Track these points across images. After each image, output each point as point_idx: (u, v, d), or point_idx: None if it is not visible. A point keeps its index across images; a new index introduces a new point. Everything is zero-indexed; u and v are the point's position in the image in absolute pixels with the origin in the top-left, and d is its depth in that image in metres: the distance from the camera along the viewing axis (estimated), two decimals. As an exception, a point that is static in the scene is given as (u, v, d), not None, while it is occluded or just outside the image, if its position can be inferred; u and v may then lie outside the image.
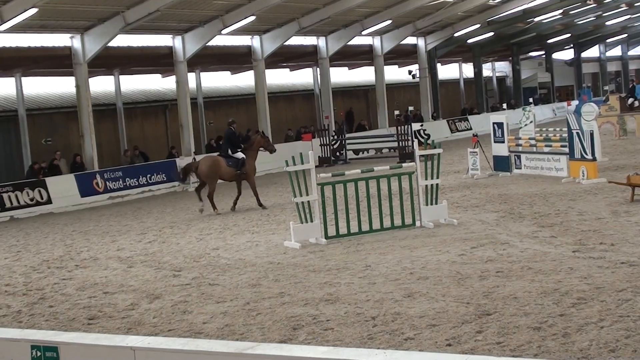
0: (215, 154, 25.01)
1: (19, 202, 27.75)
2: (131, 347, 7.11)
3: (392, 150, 37.13)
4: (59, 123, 35.38)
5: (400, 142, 35.51)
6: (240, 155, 22.83)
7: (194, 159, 24.03)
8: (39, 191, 28.34)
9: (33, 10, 26.66)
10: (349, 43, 43.24)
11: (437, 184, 16.93)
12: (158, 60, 36.88)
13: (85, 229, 22.04)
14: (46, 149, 33.85)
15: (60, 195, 28.86)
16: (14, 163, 33.20)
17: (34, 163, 30.85)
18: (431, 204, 16.86)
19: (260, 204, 22.65)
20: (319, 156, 35.52)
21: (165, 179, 32.67)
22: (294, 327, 9.83)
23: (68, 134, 35.01)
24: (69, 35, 31.20)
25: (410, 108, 42.16)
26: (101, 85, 37.73)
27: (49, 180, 29.08)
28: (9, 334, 8.33)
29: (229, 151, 22.89)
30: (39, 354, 7.47)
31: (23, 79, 32.78)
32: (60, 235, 21.29)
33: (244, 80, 44.44)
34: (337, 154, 37.78)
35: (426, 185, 16.88)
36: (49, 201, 28.45)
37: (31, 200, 28.11)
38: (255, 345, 6.96)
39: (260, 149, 23.34)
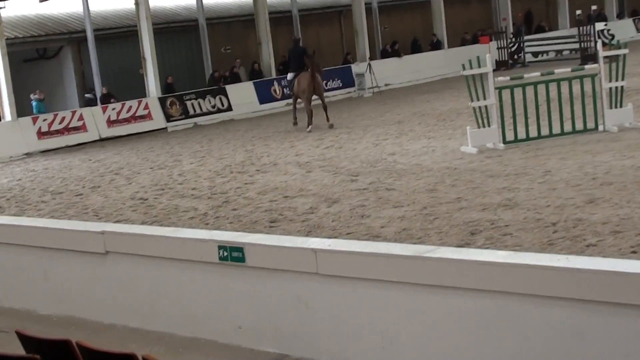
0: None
1: (201, 109, 28.70)
2: (313, 249, 7.33)
3: (573, 52, 35.90)
4: (237, 32, 36.03)
5: (582, 44, 34.22)
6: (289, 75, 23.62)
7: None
8: (220, 99, 29.18)
9: None
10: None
11: (622, 87, 16.28)
12: (333, -34, 36.79)
13: (264, 135, 22.60)
14: (225, 57, 34.63)
15: (240, 102, 29.63)
16: (196, 71, 34.19)
17: (215, 71, 31.67)
18: (615, 107, 16.27)
19: (310, 122, 22.66)
20: (496, 59, 34.73)
21: (341, 85, 32.90)
22: (471, 232, 9.82)
23: (246, 42, 35.64)
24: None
25: (593, 7, 40.45)
26: (278, -8, 38.06)
27: (229, 88, 29.87)
28: (198, 235, 8.76)
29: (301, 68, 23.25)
30: (225, 253, 7.81)
31: (202, -12, 33.46)
32: (241, 141, 21.91)
33: (419, -17, 43.73)
34: (515, 56, 36.88)
35: (610, 88, 16.28)
36: (229, 108, 29.28)
37: (213, 107, 29.01)
38: (434, 248, 7.04)
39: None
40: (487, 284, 6.34)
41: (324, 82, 26.25)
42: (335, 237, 10.03)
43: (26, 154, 24.21)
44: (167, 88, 29.02)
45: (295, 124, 23.56)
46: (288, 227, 11.13)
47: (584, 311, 5.94)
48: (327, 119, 22.52)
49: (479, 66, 15.85)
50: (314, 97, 23.02)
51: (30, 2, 30.95)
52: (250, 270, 7.66)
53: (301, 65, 23.38)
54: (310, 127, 22.30)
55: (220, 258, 7.81)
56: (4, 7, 24.80)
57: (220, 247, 7.81)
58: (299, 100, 23.75)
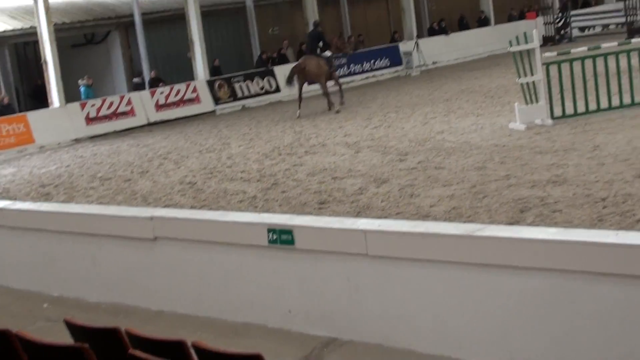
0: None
1: (249, 92, 28.76)
2: (362, 230, 7.32)
3: (619, 26, 35.36)
4: (284, 13, 36.00)
5: (629, 17, 33.69)
6: (327, 53, 23.09)
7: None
8: (268, 80, 29.21)
9: None
10: None
11: (670, 59, 16.04)
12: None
13: (312, 116, 22.59)
14: (273, 39, 34.63)
15: (287, 83, 29.59)
16: (243, 53, 34.23)
17: (262, 52, 31.70)
18: (664, 80, 16.03)
19: (331, 104, 22.85)
20: (543, 35, 34.31)
21: (389, 64, 32.77)
22: (521, 209, 9.76)
23: (293, 23, 35.60)
24: None
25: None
26: (323, -28, 37.94)
27: (277, 69, 29.86)
28: (247, 218, 8.78)
29: (318, 51, 23.05)
30: (275, 236, 7.82)
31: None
32: (289, 122, 21.94)
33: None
34: (562, 32, 36.42)
35: (659, 61, 16.04)
36: (277, 89, 29.28)
37: (261, 89, 29.05)
38: (484, 227, 6.99)
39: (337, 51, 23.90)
40: (537, 261, 6.29)
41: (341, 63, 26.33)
42: (384, 218, 10.04)
43: (74, 139, 24.44)
44: (214, 71, 29.11)
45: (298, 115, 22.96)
46: (337, 209, 11.15)
47: (636, 287, 5.88)
48: (328, 106, 22.82)
49: (526, 42, 15.71)
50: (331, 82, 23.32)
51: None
52: (300, 252, 7.67)
53: (314, 49, 23.37)
54: (298, 112, 22.55)
55: (270, 241, 7.82)
56: (52, -6, 25.04)
57: (269, 230, 7.82)
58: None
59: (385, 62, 32.79)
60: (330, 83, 23.31)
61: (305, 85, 23.38)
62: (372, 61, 32.47)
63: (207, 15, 30.78)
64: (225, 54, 32.58)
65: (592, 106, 15.84)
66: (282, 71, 29.61)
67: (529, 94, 15.71)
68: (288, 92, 28.98)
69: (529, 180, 11.11)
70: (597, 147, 12.72)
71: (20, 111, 25.89)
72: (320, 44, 23.45)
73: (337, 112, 22.48)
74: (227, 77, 28.77)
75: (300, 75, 22.91)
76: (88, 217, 9.78)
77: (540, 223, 9.01)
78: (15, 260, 10.46)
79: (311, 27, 25.68)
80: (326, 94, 22.90)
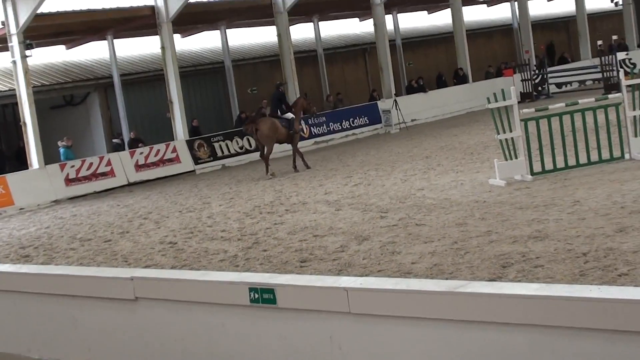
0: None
1: (229, 151, 28.85)
2: (344, 288, 7.28)
3: (596, 82, 35.86)
4: (263, 72, 36.31)
5: (605, 73, 34.16)
6: (289, 115, 23.07)
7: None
8: (248, 139, 29.30)
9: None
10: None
11: (646, 114, 16.22)
12: (355, 4, 37.06)
13: (293, 174, 22.63)
14: (252, 98, 34.87)
15: (267, 142, 29.70)
16: (223, 113, 34.43)
17: (242, 112, 31.86)
18: (641, 135, 16.19)
19: (305, 164, 23.03)
20: (520, 92, 34.73)
21: (367, 122, 32.98)
22: (503, 265, 9.76)
23: (272, 83, 35.82)
24: (265, -15, 31.86)
25: (614, 37, 40.43)
26: (301, 32, 38.33)
27: (256, 128, 29.96)
28: (228, 277, 8.72)
29: (279, 112, 23.12)
30: (256, 295, 7.77)
31: (227, 31, 33.77)
32: (269, 181, 21.96)
33: (442, 18, 43.94)
34: (539, 88, 36.87)
35: (634, 116, 16.20)
36: (257, 148, 29.32)
37: (241, 148, 29.15)
38: (467, 283, 6.97)
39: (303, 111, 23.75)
40: (520, 317, 6.28)
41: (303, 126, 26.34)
42: (366, 275, 10.00)
43: (54, 201, 24.38)
44: (193, 131, 29.20)
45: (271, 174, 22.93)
46: (319, 267, 11.11)
47: (619, 342, 5.87)
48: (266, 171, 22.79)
49: (504, 99, 15.86)
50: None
51: (56, 49, 31.38)
52: (282, 311, 7.61)
53: (275, 111, 23.45)
54: (268, 174, 22.58)
55: (251, 300, 7.76)
56: (31, 56, 25.11)
57: (251, 289, 7.77)
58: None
59: (364, 120, 33.01)
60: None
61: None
62: (351, 119, 32.68)
63: (186, 76, 31.02)
64: (204, 114, 32.79)
65: (571, 161, 15.97)
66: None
67: (508, 150, 15.81)
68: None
69: (510, 236, 11.13)
70: (578, 202, 12.78)
71: (0, 173, 25.83)
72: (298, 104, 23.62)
73: (272, 175, 22.40)
74: (207, 137, 28.87)
75: (255, 137, 22.97)
76: (68, 278, 9.69)
77: (523, 279, 9.01)
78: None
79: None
80: (266, 157, 22.76)
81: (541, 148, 15.87)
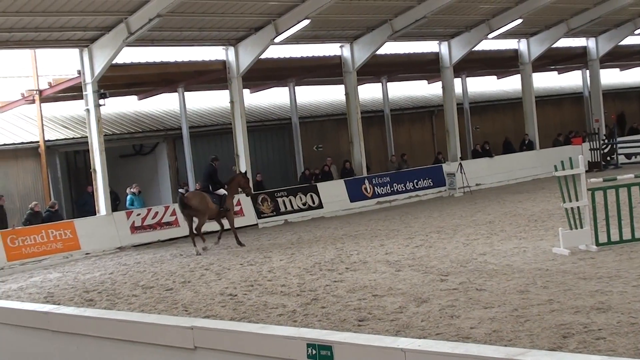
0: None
1: (292, 207, 28.98)
2: (402, 349, 7.25)
3: (667, 153, 35.44)
4: (329, 130, 36.55)
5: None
6: (221, 192, 22.49)
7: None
8: (311, 196, 29.45)
9: (306, 22, 27.78)
10: (620, 43, 41.63)
11: None
12: (424, 67, 37.24)
13: (354, 233, 22.65)
14: (317, 155, 35.09)
15: (330, 199, 29.86)
16: (287, 169, 34.67)
17: (306, 169, 32.07)
18: None
19: (239, 242, 22.33)
20: (588, 161, 34.42)
21: (432, 184, 32.93)
22: (563, 335, 9.63)
23: (338, 141, 36.09)
24: (339, 44, 32.23)
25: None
26: (369, 92, 38.58)
27: (321, 186, 30.16)
28: (286, 332, 8.75)
29: (210, 188, 22.53)
30: (314, 352, 7.77)
31: (296, 87, 34.16)
32: (331, 238, 22.00)
33: (510, 84, 43.89)
34: (608, 158, 36.49)
35: None
36: (320, 205, 29.50)
37: (304, 204, 29.27)
38: (526, 351, 6.89)
39: (240, 188, 23.17)
40: (580, 389, 6.18)
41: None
42: (424, 337, 9.94)
43: (119, 247, 24.71)
44: (256, 185, 29.44)
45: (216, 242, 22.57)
46: (376, 326, 11.08)
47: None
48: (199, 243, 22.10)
49: (572, 167, 15.74)
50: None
51: (128, 99, 32.02)
52: (338, 369, 7.60)
53: (206, 185, 22.78)
54: (194, 248, 21.79)
55: (309, 356, 7.76)
56: (104, 105, 25.68)
57: (308, 345, 7.77)
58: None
59: (428, 182, 32.98)
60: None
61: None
62: (415, 181, 32.68)
63: (253, 130, 31.37)
64: (269, 169, 33.05)
65: (638, 234, 15.74)
66: (325, 188, 29.95)
67: (574, 219, 15.65)
68: (330, 209, 29.27)
69: (573, 306, 10.99)
70: (642, 275, 12.59)
71: (68, 217, 26.33)
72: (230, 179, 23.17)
73: (205, 249, 21.74)
74: (271, 192, 29.08)
75: (185, 210, 22.18)
76: (129, 324, 9.81)
77: (583, 350, 8.89)
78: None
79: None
80: (198, 229, 22.06)
81: (607, 219, 15.69)
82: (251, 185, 25.40)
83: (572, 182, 15.69)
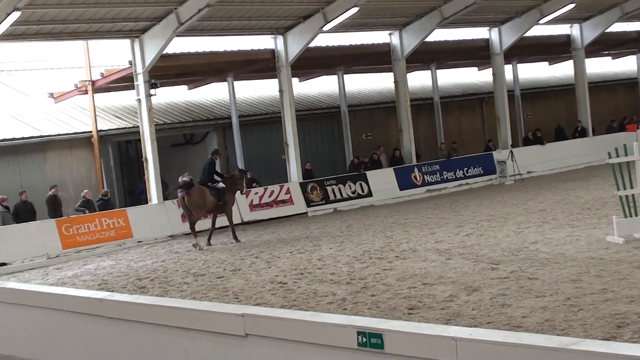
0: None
1: (341, 195, 28.99)
2: (453, 337, 7.23)
3: None
4: (378, 118, 36.44)
5: None
6: (220, 185, 22.31)
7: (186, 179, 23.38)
8: (360, 184, 29.43)
9: (354, 10, 27.71)
10: (676, 27, 40.99)
11: None
12: (474, 53, 36.96)
13: (404, 221, 22.59)
14: (366, 144, 35.01)
15: (380, 188, 29.82)
16: (336, 157, 34.65)
17: (355, 157, 32.03)
18: None
19: (235, 237, 22.15)
20: (643, 147, 33.90)
21: (482, 172, 32.73)
22: (618, 324, 9.52)
23: (387, 129, 35.96)
24: (388, 32, 32.12)
25: None
26: (418, 80, 38.38)
27: (370, 174, 30.12)
28: (336, 320, 8.76)
29: (208, 181, 22.39)
30: (364, 339, 7.78)
31: (345, 76, 34.08)
32: (380, 227, 21.97)
33: (562, 70, 43.37)
34: (663, 144, 35.98)
35: None
36: (369, 194, 29.48)
37: (353, 193, 29.26)
38: (580, 341, 6.83)
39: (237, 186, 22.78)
40: (635, 379, 6.11)
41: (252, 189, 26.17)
42: (475, 326, 9.89)
43: (170, 236, 24.92)
44: (305, 174, 29.47)
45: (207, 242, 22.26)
46: (427, 315, 11.04)
47: None
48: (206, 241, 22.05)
49: (626, 154, 15.52)
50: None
51: (179, 89, 32.22)
52: (389, 357, 7.59)
53: (204, 179, 22.58)
54: (194, 241, 21.73)
55: (359, 344, 7.78)
56: (155, 95, 25.86)
57: (359, 333, 7.79)
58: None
59: (478, 170, 32.77)
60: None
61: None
62: (465, 169, 32.49)
63: (302, 119, 31.37)
64: (318, 157, 33.05)
65: (695, 222, 15.48)
66: (374, 176, 29.90)
67: (628, 207, 15.44)
68: (380, 197, 29.22)
69: (627, 295, 10.85)
70: (698, 264, 12.39)
71: (120, 206, 26.60)
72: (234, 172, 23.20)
73: (194, 245, 21.57)
74: (320, 180, 29.10)
75: (184, 206, 22.24)
76: (182, 311, 9.93)
77: (639, 340, 8.77)
78: (114, 349, 10.66)
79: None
80: (192, 224, 22.04)
81: (663, 206, 15.46)
82: (254, 185, 25.86)
83: (626, 169, 15.47)
